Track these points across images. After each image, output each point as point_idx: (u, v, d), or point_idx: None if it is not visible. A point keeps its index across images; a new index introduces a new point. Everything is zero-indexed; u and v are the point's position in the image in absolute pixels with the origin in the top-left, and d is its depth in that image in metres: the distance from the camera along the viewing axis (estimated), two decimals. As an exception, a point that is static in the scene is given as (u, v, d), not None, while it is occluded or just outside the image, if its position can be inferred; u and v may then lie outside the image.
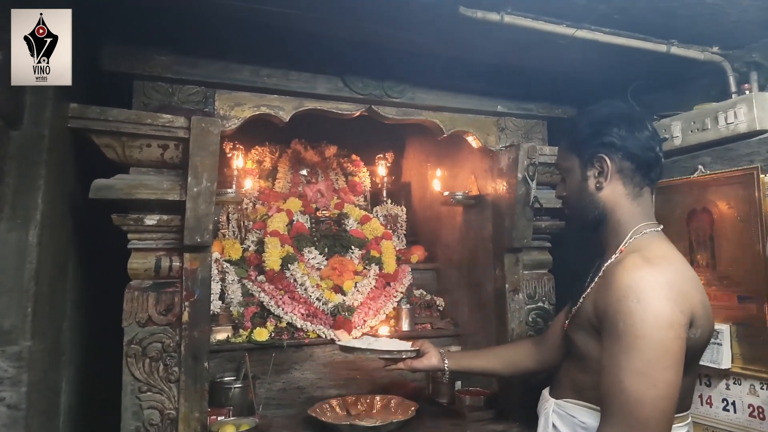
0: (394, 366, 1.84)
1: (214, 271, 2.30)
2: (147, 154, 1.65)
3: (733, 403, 1.72)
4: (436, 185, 2.77)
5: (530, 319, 2.22)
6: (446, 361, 1.78)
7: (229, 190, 1.98)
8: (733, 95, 1.80)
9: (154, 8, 1.62)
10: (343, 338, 2.23)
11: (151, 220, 1.67)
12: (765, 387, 1.63)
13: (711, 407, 1.79)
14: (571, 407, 1.28)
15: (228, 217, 2.62)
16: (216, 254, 2.37)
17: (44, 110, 1.39)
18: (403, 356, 1.82)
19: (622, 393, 1.07)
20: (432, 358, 1.80)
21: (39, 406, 1.45)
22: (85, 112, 1.53)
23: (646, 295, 1.10)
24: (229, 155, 2.71)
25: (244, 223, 2.61)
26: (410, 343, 1.92)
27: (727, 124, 1.75)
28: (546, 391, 1.41)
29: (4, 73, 1.27)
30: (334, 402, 2.19)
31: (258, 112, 1.88)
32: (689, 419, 1.26)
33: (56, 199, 1.50)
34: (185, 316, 1.68)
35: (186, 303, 1.69)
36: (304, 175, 2.95)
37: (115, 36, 1.65)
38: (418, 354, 1.82)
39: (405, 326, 2.49)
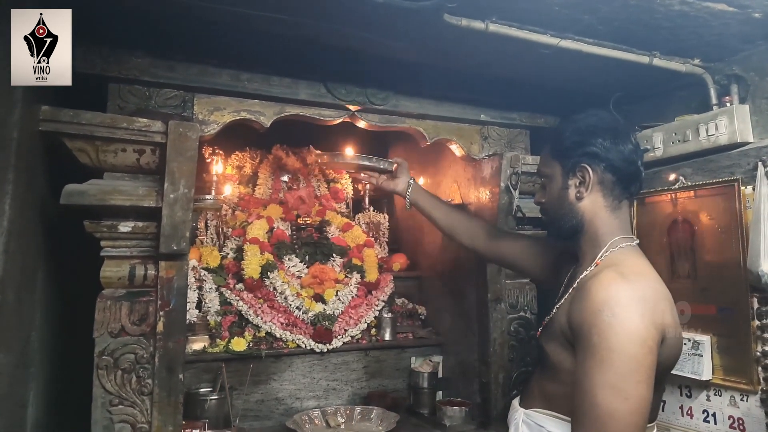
0: (368, 179, 2.05)
1: (191, 280, 2.24)
2: (122, 159, 1.60)
3: (714, 415, 1.73)
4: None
5: (512, 329, 2.21)
6: (409, 191, 1.91)
7: (207, 197, 1.93)
8: (714, 107, 1.82)
9: (130, 8, 1.57)
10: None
11: (125, 227, 1.61)
12: (745, 398, 1.64)
13: (692, 418, 1.79)
14: (539, 417, 1.27)
15: (206, 224, 2.56)
16: (193, 262, 2.31)
17: (12, 112, 1.33)
18: (381, 165, 1.96)
19: (593, 406, 1.07)
20: (399, 184, 1.94)
21: (3, 421, 1.39)
22: (57, 115, 1.47)
23: (621, 310, 1.10)
24: (208, 160, 2.67)
25: (222, 229, 2.56)
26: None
27: (708, 135, 1.77)
28: (516, 401, 1.40)
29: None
30: (313, 413, 2.17)
31: (238, 117, 1.84)
32: (655, 429, 1.27)
33: (25, 206, 1.44)
34: (160, 327, 1.62)
35: (161, 313, 1.63)
36: (285, 182, 2.90)
37: (89, 37, 1.60)
38: (393, 176, 1.97)
39: (387, 336, 2.46)
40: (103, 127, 1.53)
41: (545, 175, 1.38)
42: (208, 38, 1.73)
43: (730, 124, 1.72)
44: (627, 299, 1.12)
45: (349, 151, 2.27)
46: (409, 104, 2.07)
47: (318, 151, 2.20)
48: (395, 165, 1.97)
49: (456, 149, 2.26)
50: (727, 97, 1.79)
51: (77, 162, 1.57)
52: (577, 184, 1.29)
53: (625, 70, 1.84)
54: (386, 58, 1.89)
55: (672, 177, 1.88)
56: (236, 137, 2.72)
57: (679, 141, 1.86)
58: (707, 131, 1.77)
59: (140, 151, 1.60)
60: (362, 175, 2.04)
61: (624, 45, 1.72)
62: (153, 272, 1.65)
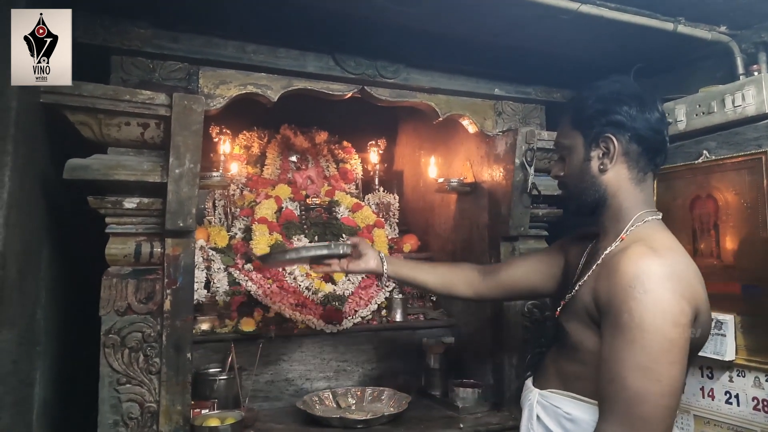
0: (328, 269, 1.69)
1: (200, 259, 2.21)
2: (126, 133, 1.56)
3: (737, 396, 1.67)
4: (431, 172, 2.69)
5: (526, 310, 2.15)
6: (385, 266, 1.65)
7: (214, 173, 1.88)
8: (741, 77, 1.74)
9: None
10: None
11: (130, 203, 1.58)
12: (771, 379, 1.58)
13: (713, 400, 1.74)
14: (555, 398, 1.23)
15: (214, 204, 2.53)
16: (201, 242, 2.28)
17: (10, 81, 1.29)
18: (340, 251, 1.64)
19: (623, 389, 1.02)
20: (370, 261, 1.66)
21: (8, 399, 1.37)
22: (58, 86, 1.43)
23: (654, 286, 1.04)
24: (215, 140, 2.63)
25: (230, 209, 2.52)
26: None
27: (734, 107, 1.68)
28: (529, 382, 1.36)
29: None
30: (323, 394, 2.14)
31: (244, 91, 1.79)
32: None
33: (26, 179, 1.41)
34: (167, 305, 1.60)
35: (168, 291, 1.60)
36: (293, 162, 2.86)
37: (90, 6, 1.55)
38: (355, 255, 1.67)
39: (398, 316, 2.42)
40: (105, 100, 1.49)
41: (565, 147, 1.30)
42: (212, 7, 1.67)
43: (757, 94, 1.63)
44: (659, 275, 1.05)
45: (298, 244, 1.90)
46: (420, 78, 2.00)
47: (255, 255, 1.86)
48: (352, 246, 1.67)
49: (469, 125, 2.19)
50: (754, 66, 1.70)
51: (81, 136, 1.53)
52: (601, 155, 1.22)
53: (647, 38, 1.76)
54: (397, 27, 1.81)
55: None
56: (243, 116, 2.68)
57: (703, 113, 1.78)
58: (733, 102, 1.69)
59: (144, 124, 1.56)
60: (319, 268, 1.69)
61: (647, 10, 1.64)
62: (159, 250, 1.62)
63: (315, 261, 1.68)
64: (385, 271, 1.65)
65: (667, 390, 1.01)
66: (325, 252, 1.65)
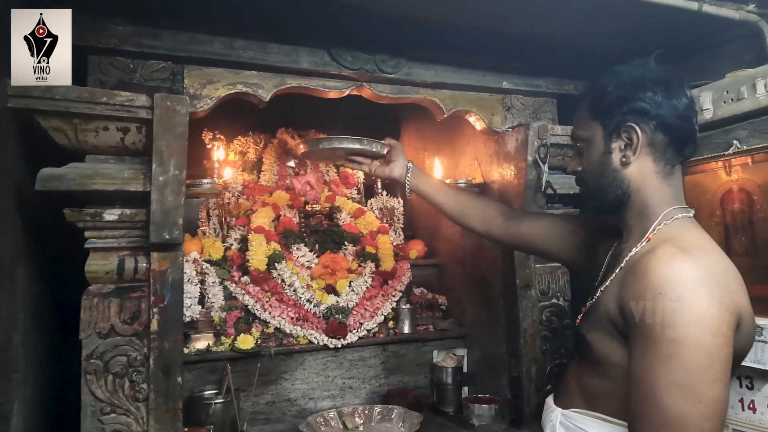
0: (357, 167, 1.76)
1: (193, 273, 2.08)
2: (104, 139, 1.43)
3: (782, 409, 1.52)
4: (436, 173, 2.56)
5: (544, 318, 2.01)
6: (408, 176, 1.66)
7: (204, 181, 1.75)
8: (773, 59, 1.60)
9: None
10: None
11: (111, 214, 1.45)
12: (821, 390, 1.43)
13: (755, 413, 1.59)
14: (580, 419, 1.11)
15: (208, 214, 2.40)
16: (195, 254, 2.14)
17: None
18: (372, 148, 1.67)
19: (660, 412, 0.90)
20: (395, 169, 1.69)
21: (-22, 436, 1.24)
22: (28, 89, 1.31)
23: (688, 292, 0.92)
24: (209, 146, 2.51)
25: (225, 219, 2.39)
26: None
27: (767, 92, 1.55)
28: (550, 400, 1.24)
29: None
30: (328, 414, 2.01)
31: (234, 91, 1.66)
32: None
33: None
34: (154, 325, 1.47)
35: (154, 310, 1.47)
36: (291, 167, 2.73)
37: (63, 2, 1.42)
38: (387, 159, 1.71)
39: (406, 328, 2.28)
40: (80, 103, 1.36)
41: (583, 139, 1.19)
42: (197, 0, 1.54)
43: (793, 76, 1.50)
44: (693, 279, 0.93)
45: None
46: (423, 72, 1.87)
47: (297, 141, 1.88)
48: (388, 147, 1.69)
49: (476, 122, 2.06)
50: (788, 47, 1.57)
51: (57, 144, 1.41)
52: (623, 147, 1.10)
53: (668, 20, 1.63)
54: (397, 17, 1.68)
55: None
56: (238, 121, 2.57)
57: (731, 100, 1.65)
58: (766, 87, 1.55)
59: (124, 129, 1.44)
60: (350, 164, 1.75)
61: (670, -12, 1.51)
62: (144, 265, 1.49)
63: (350, 153, 1.70)
64: (407, 181, 1.65)
65: (710, 412, 0.88)
66: (357, 146, 1.65)
